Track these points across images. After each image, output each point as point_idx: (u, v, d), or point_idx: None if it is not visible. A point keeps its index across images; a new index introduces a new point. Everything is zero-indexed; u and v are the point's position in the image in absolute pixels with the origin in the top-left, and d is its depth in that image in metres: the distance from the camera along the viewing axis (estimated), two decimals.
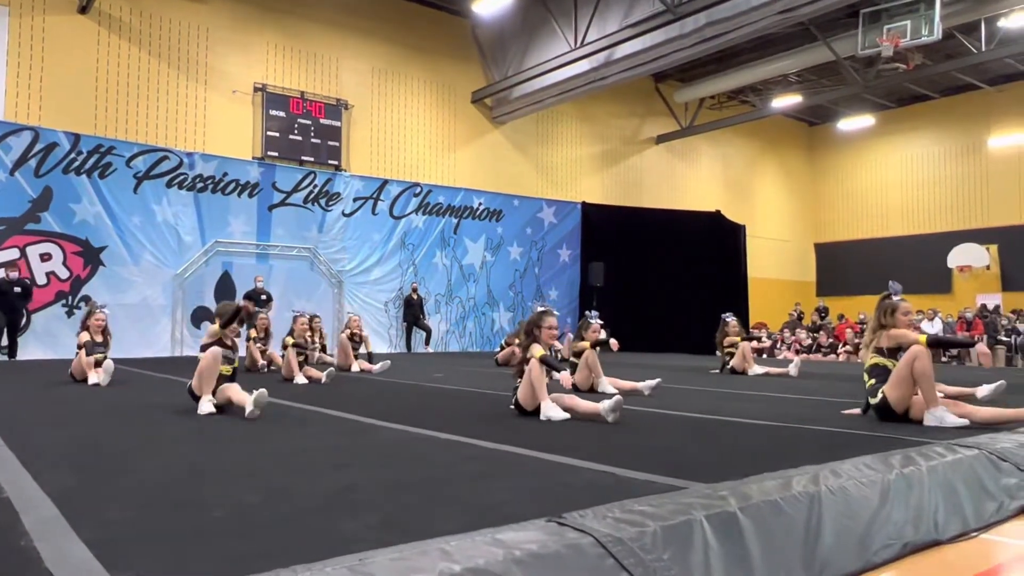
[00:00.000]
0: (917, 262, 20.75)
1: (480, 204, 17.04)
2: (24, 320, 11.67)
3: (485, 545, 1.84)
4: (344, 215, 15.17)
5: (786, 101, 19.29)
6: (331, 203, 15.04)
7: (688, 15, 13.00)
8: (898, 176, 22.54)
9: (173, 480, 2.95)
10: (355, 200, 15.32)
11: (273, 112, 14.58)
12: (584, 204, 18.70)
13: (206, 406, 5.14)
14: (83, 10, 12.73)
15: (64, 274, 12.19)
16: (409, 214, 16.01)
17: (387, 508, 2.43)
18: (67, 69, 12.64)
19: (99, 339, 7.61)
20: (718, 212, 19.53)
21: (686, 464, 3.25)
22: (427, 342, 15.49)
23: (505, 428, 4.55)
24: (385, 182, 15.74)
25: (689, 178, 21.70)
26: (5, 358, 11.23)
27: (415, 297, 15.41)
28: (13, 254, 11.67)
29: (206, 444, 3.95)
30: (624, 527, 2.03)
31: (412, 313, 15.39)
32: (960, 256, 20.28)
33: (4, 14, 12.15)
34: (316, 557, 1.73)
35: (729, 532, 2.20)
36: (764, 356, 17.01)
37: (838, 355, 16.32)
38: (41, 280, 11.98)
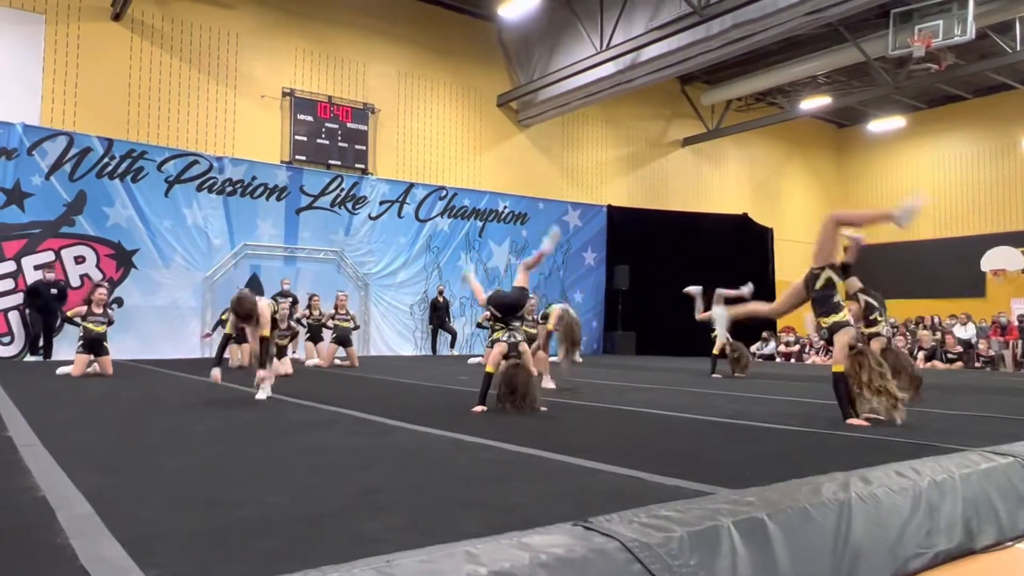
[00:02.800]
0: (949, 265, 20.38)
1: (505, 207, 17.06)
2: (59, 322, 11.91)
3: (511, 548, 1.84)
4: (370, 218, 15.28)
5: (815, 103, 19.08)
6: (358, 206, 15.15)
7: (715, 17, 12.91)
8: (930, 178, 22.17)
9: (201, 479, 2.99)
10: (381, 203, 15.42)
11: (301, 116, 14.74)
12: (609, 207, 18.64)
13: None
14: (116, 18, 12.98)
15: (97, 276, 12.41)
16: (434, 217, 16.08)
17: (411, 510, 2.44)
18: (101, 75, 12.89)
19: (98, 311, 8.50)
20: (745, 215, 19.37)
21: (713, 469, 3.23)
22: (452, 345, 15.53)
23: (530, 431, 4.54)
24: (411, 185, 15.83)
25: (716, 181, 21.54)
26: (39, 358, 11.46)
27: (441, 300, 15.46)
28: (48, 256, 11.92)
29: (233, 443, 3.99)
30: (651, 532, 2.01)
31: (438, 316, 15.45)
32: (994, 259, 19.87)
33: (40, 22, 12.42)
34: (342, 558, 1.74)
35: (757, 538, 2.18)
36: (792, 360, 16.82)
37: None
38: (75, 282, 12.21)
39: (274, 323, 9.15)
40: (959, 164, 21.60)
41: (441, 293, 15.51)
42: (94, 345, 8.46)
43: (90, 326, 8.43)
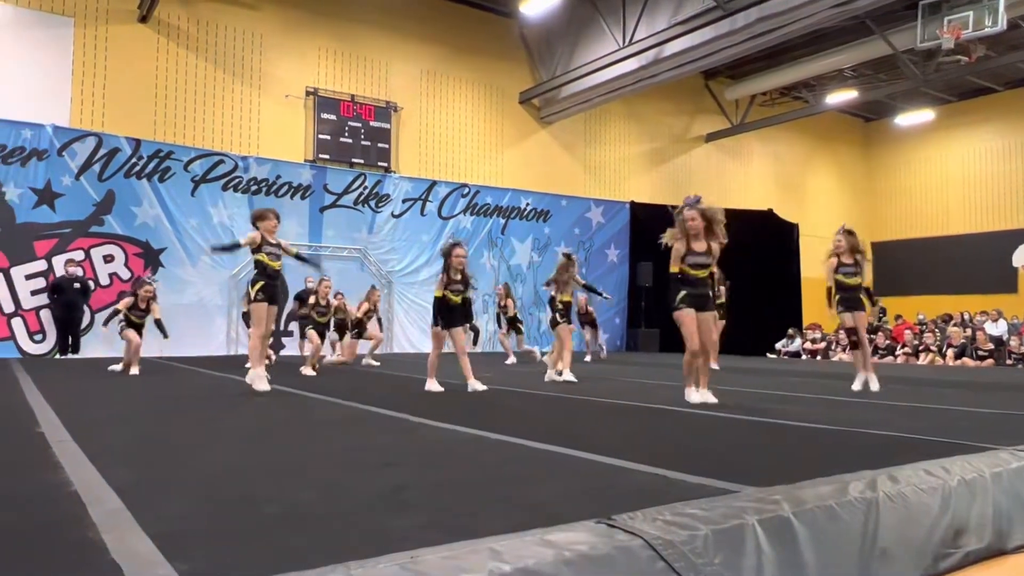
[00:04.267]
0: (980, 261, 20.04)
1: (528, 204, 17.05)
2: (89, 319, 12.11)
3: (535, 545, 1.84)
4: (393, 216, 15.36)
5: (841, 96, 18.83)
6: (381, 204, 15.24)
7: (739, 11, 12.78)
8: (959, 172, 21.79)
9: (229, 475, 3.02)
10: (404, 201, 15.49)
11: (324, 115, 14.85)
12: (632, 203, 18.56)
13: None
14: (143, 19, 13.16)
15: (126, 275, 12.62)
16: (457, 215, 16.12)
17: (436, 507, 2.45)
18: (128, 77, 13.07)
19: (142, 306, 9.00)
20: (770, 211, 19.18)
21: (737, 467, 3.20)
22: (475, 342, 15.54)
23: (553, 428, 4.55)
24: (433, 183, 15.88)
25: (740, 176, 21.35)
26: (70, 356, 11.63)
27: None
28: (78, 255, 12.14)
29: (259, 440, 4.04)
30: (675, 530, 2.00)
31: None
32: None
33: (69, 25, 12.63)
34: (368, 554, 1.75)
35: (782, 537, 2.16)
36: (818, 357, 16.64)
37: (896, 357, 15.86)
38: (104, 281, 12.42)
39: (315, 299, 9.49)
40: (990, 157, 21.19)
41: None
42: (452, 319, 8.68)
43: (132, 318, 8.99)
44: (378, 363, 11.21)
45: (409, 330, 15.47)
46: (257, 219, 6.80)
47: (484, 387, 6.70)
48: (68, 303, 11.70)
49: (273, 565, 1.76)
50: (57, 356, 11.71)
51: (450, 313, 6.78)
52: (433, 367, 6.91)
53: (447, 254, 6.75)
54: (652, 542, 1.92)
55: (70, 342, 11.84)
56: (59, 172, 12.12)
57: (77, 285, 11.76)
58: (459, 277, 6.77)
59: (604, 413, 5.55)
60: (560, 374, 8.06)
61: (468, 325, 7.49)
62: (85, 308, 12.06)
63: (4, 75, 11.99)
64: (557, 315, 8.44)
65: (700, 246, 5.92)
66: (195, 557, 1.87)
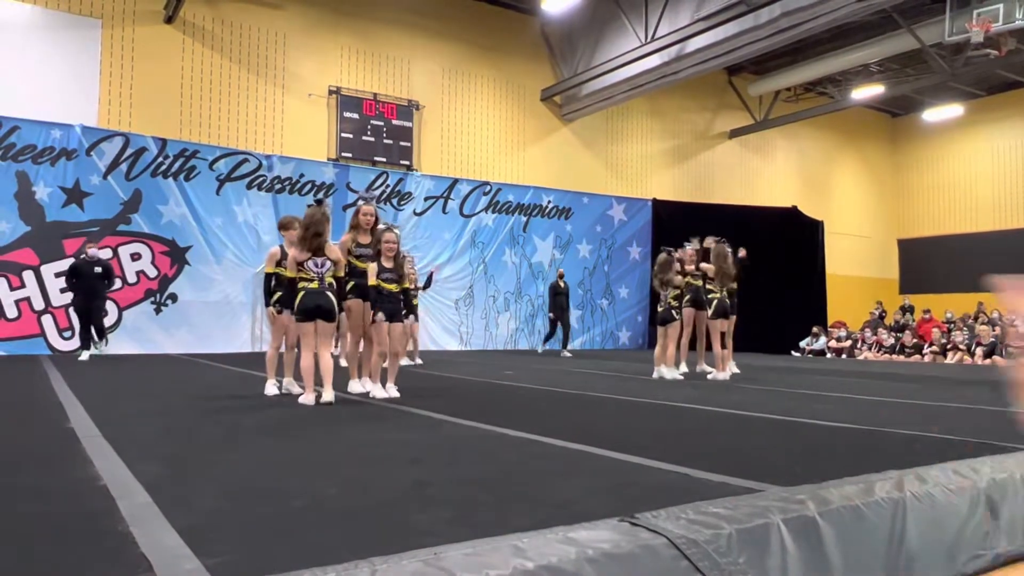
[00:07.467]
0: (1010, 258, 19.61)
1: (549, 202, 17.03)
2: (117, 316, 12.26)
3: (558, 543, 1.84)
4: (415, 214, 15.41)
5: (867, 92, 18.56)
6: (403, 202, 15.30)
7: (762, 5, 12.66)
8: (989, 168, 21.41)
9: (255, 470, 3.06)
10: (426, 199, 15.54)
11: (347, 114, 14.93)
12: (655, 201, 18.46)
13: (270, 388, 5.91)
14: (169, 20, 13.31)
15: (152, 272, 12.80)
16: (479, 212, 16.14)
17: (459, 503, 2.46)
18: (155, 77, 13.24)
19: (389, 264, 5.86)
20: (794, 208, 18.99)
21: (762, 466, 3.18)
22: (565, 344, 14.06)
23: (575, 426, 4.54)
24: (455, 181, 15.91)
25: (763, 173, 21.15)
26: (93, 351, 10.65)
27: (562, 284, 14.04)
28: (106, 254, 12.28)
29: (284, 436, 4.07)
30: (699, 529, 1.99)
31: (559, 304, 13.92)
32: None
33: (97, 27, 12.82)
34: (392, 549, 1.76)
35: (808, 537, 2.14)
36: (843, 356, 16.45)
37: (923, 356, 15.63)
38: (131, 279, 12.59)
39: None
40: (1020, 153, 20.79)
41: (561, 277, 14.29)
42: (392, 311, 5.80)
43: (355, 263, 6.09)
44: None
45: (432, 328, 15.50)
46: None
47: (397, 394, 5.89)
48: (87, 289, 10.43)
49: (298, 559, 1.78)
50: (83, 356, 10.37)
51: (388, 303, 5.81)
52: (376, 369, 5.96)
53: (378, 240, 5.85)
54: (676, 541, 1.92)
55: (94, 335, 10.66)
56: (87, 171, 12.31)
57: (98, 269, 10.58)
58: (391, 265, 5.83)
59: (626, 411, 5.54)
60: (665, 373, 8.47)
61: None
62: (107, 296, 11.16)
63: (34, 76, 12.20)
64: (673, 311, 8.35)
65: (365, 239, 6.18)
66: (222, 551, 1.89)
